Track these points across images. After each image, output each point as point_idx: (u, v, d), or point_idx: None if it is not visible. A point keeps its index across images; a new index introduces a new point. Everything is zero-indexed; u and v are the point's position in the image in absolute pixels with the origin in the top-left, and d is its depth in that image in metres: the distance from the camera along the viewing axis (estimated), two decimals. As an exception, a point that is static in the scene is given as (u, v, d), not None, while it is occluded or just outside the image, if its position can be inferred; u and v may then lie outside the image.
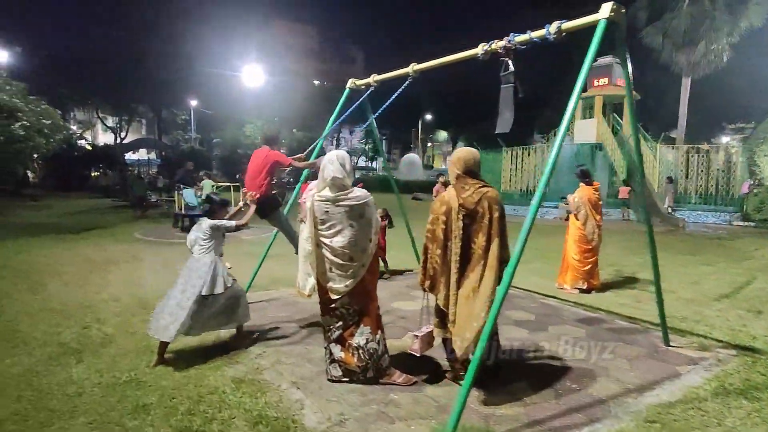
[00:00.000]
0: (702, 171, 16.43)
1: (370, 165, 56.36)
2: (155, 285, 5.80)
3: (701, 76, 20.73)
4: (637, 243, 10.19)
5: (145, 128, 48.63)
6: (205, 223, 3.68)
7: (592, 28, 2.99)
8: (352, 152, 54.81)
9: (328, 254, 3.00)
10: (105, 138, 41.73)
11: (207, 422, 2.65)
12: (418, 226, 6.60)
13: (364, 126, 5.04)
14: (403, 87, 4.54)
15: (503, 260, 2.93)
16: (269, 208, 4.71)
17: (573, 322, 4.61)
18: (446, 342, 3.10)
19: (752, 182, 13.65)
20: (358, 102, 5.30)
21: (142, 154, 43.55)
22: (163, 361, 3.45)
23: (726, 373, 3.40)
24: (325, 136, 5.52)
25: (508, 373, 3.27)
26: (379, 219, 3.07)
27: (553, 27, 3.24)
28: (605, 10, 2.91)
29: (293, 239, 4.76)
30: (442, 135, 54.94)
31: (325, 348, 3.20)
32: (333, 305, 3.08)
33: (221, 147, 39.62)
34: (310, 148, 5.47)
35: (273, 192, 4.79)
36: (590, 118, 18.05)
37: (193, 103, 39.09)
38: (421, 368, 3.33)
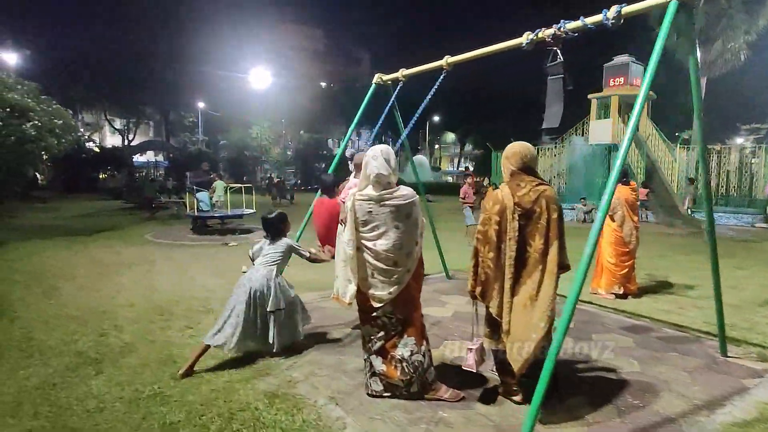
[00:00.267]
0: (719, 172, 16.11)
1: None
2: (170, 289, 5.60)
3: (717, 75, 20.35)
4: (660, 245, 9.90)
5: (152, 130, 48.68)
6: (284, 241, 3.67)
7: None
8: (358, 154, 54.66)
9: (370, 258, 2.75)
10: (113, 140, 41.79)
11: (242, 444, 2.40)
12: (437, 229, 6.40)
13: (406, 131, 4.79)
14: (438, 81, 4.29)
15: (561, 266, 2.68)
16: None
17: (618, 330, 4.33)
18: (497, 354, 2.85)
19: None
20: (390, 103, 5.03)
21: (149, 156, 43.57)
22: (191, 371, 3.25)
23: (799, 387, 3.12)
24: (350, 134, 5.27)
25: (562, 387, 3.01)
26: (424, 220, 2.80)
27: (612, 12, 2.99)
28: (678, -9, 2.66)
29: None
30: (450, 137, 54.63)
31: (365, 360, 2.95)
32: (374, 314, 2.83)
33: (228, 149, 39.61)
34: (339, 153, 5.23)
35: None
36: (605, 118, 17.72)
37: (201, 105, 39.05)
38: (466, 381, 3.07)
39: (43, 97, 9.61)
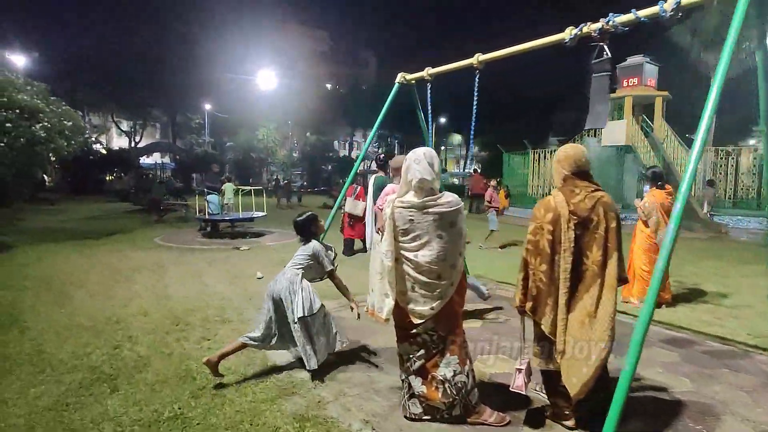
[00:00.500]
0: (732, 174, 15.77)
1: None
2: (184, 297, 5.40)
3: (732, 76, 19.96)
4: (682, 250, 9.59)
5: (159, 132, 48.75)
6: (311, 245, 3.45)
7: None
8: (365, 157, 54.65)
9: (410, 271, 2.53)
10: (119, 142, 41.84)
11: (275, 476, 2.19)
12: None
13: (469, 137, 4.58)
14: (476, 82, 4.07)
15: (619, 278, 2.45)
16: None
17: (659, 343, 4.08)
18: (548, 375, 2.62)
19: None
20: (428, 102, 4.82)
21: (155, 158, 43.59)
22: (217, 371, 3.15)
23: None
24: (374, 135, 5.05)
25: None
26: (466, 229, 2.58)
27: (670, 3, 2.76)
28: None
29: None
30: (456, 138, 54.38)
31: (403, 380, 2.73)
32: (414, 331, 2.61)
33: (234, 151, 39.57)
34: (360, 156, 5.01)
35: None
36: (619, 119, 17.42)
37: (207, 106, 39.02)
38: (509, 402, 2.84)
39: (52, 98, 9.46)
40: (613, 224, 2.45)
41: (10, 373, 3.25)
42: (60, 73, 28.91)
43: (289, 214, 16.29)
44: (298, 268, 3.37)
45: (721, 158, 16.49)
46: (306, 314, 3.22)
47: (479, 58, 4.08)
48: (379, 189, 5.53)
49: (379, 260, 2.63)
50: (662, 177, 5.39)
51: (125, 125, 41.68)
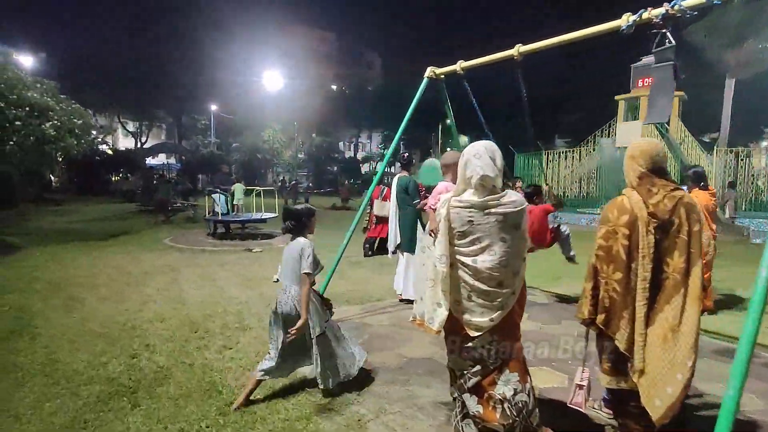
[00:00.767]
0: (750, 176, 15.45)
1: (388, 170, 55.71)
2: (200, 301, 5.16)
3: (749, 76, 19.65)
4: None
5: (164, 133, 48.72)
6: (299, 242, 2.92)
7: None
8: (371, 156, 54.41)
9: (467, 278, 2.27)
10: (125, 143, 41.81)
11: None
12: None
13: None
14: (521, 77, 3.82)
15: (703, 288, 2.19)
16: None
17: (711, 354, 3.82)
18: (619, 394, 2.35)
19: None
20: (470, 99, 4.57)
21: (161, 158, 43.55)
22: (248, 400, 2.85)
23: None
24: (401, 134, 4.82)
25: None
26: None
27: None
28: None
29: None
30: (463, 139, 54.06)
31: (455, 398, 2.47)
32: (470, 344, 2.35)
33: (240, 152, 39.45)
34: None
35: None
36: (633, 120, 17.13)
37: (213, 107, 38.93)
38: (564, 419, 2.59)
39: (62, 96, 9.27)
40: (696, 227, 2.18)
41: (22, 386, 3.01)
42: (66, 73, 28.83)
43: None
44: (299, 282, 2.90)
45: (740, 159, 16.15)
46: (323, 330, 2.92)
47: (519, 49, 3.83)
48: (403, 190, 5.29)
49: (431, 265, 2.38)
50: (705, 177, 5.11)
51: (131, 126, 41.63)
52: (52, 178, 26.10)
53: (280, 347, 2.89)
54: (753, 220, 13.68)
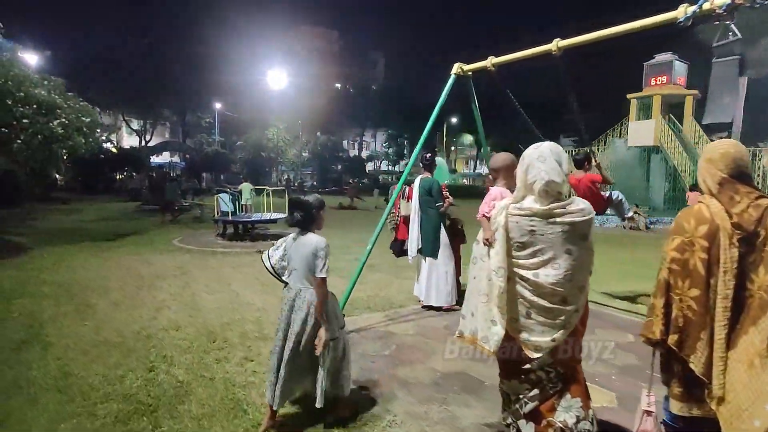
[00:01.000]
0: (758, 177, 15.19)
1: (392, 169, 55.54)
2: (216, 308, 4.97)
3: (763, 75, 19.31)
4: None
5: (168, 131, 48.64)
6: (312, 239, 2.55)
7: None
8: (375, 155, 54.23)
9: (527, 293, 2.07)
10: (130, 141, 41.74)
11: None
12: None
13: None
14: (563, 72, 3.61)
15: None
16: None
17: None
18: (690, 422, 2.13)
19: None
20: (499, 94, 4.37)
21: (165, 156, 43.48)
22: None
23: None
24: (428, 132, 4.60)
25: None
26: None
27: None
28: None
29: None
30: (467, 138, 53.79)
31: (508, 424, 2.27)
32: (527, 366, 2.14)
33: (244, 150, 39.30)
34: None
35: None
36: (646, 119, 16.85)
37: (218, 105, 38.79)
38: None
39: (69, 93, 9.08)
40: (785, 240, 1.97)
41: (35, 403, 2.82)
42: (71, 71, 28.74)
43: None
44: (311, 284, 2.56)
45: (758, 159, 15.86)
46: (336, 335, 2.60)
47: (558, 44, 3.61)
48: (426, 192, 5.07)
49: (485, 279, 2.17)
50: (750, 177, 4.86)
51: (135, 124, 41.54)
52: (58, 176, 25.98)
53: (284, 360, 2.52)
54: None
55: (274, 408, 2.53)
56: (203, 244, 9.63)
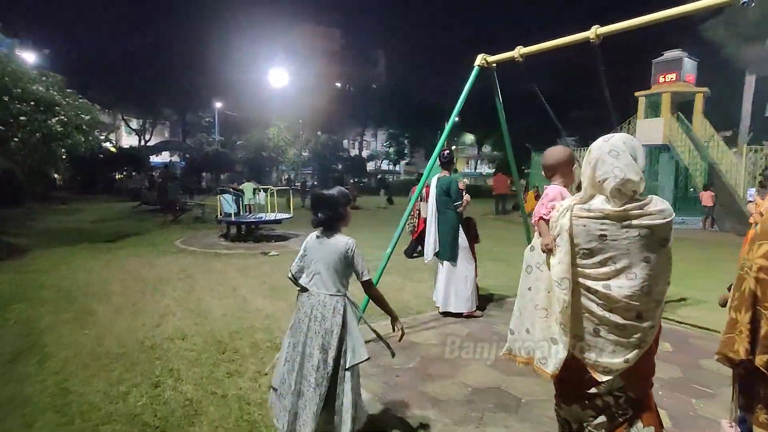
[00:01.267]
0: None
1: (393, 168, 55.31)
2: (223, 314, 4.70)
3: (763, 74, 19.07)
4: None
5: (168, 131, 48.36)
6: (341, 241, 2.25)
7: None
8: (376, 155, 53.96)
9: (595, 307, 1.80)
10: (129, 141, 41.44)
11: None
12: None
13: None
14: (599, 62, 3.34)
15: None
16: None
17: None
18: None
19: None
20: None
21: (165, 156, 43.19)
22: None
23: None
24: (449, 129, 4.34)
25: None
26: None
27: None
28: None
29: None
30: (468, 138, 53.56)
31: (567, 455, 1.99)
32: (593, 390, 1.87)
33: (245, 150, 39.03)
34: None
35: None
36: (654, 117, 16.57)
37: (218, 105, 38.51)
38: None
39: (68, 90, 8.80)
40: None
41: (31, 426, 2.55)
42: (71, 70, 28.45)
43: (307, 216, 15.43)
44: (338, 292, 2.25)
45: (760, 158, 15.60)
46: (362, 359, 2.23)
47: (597, 31, 3.33)
48: (444, 192, 4.79)
49: (543, 291, 1.90)
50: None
51: (135, 123, 41.24)
52: (57, 176, 25.70)
53: (305, 380, 2.19)
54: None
55: None
56: (206, 245, 9.36)
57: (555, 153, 2.34)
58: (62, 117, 7.90)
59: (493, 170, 47.10)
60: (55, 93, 8.05)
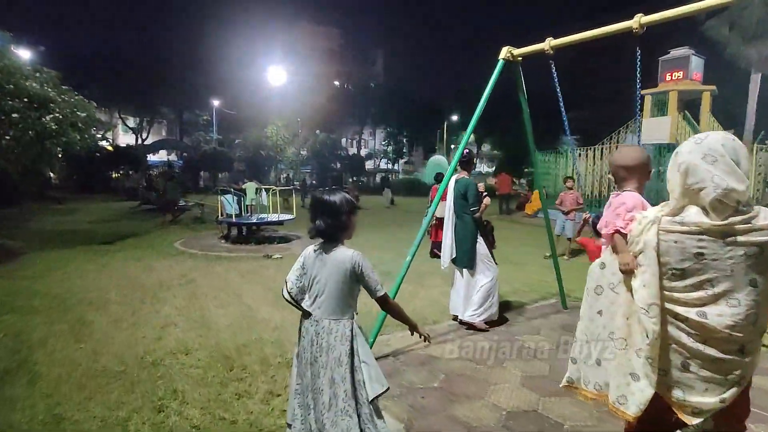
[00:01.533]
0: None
1: (391, 167, 55.01)
2: (228, 325, 4.41)
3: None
4: None
5: (165, 129, 47.90)
6: (346, 254, 1.96)
7: None
8: (374, 154, 53.60)
9: (686, 339, 1.52)
10: (125, 139, 40.99)
11: None
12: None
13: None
14: (638, 51, 3.05)
15: None
16: None
17: None
18: None
19: None
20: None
21: (162, 155, 42.75)
22: None
23: None
24: (476, 120, 4.05)
25: None
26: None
27: None
28: None
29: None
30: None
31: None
32: (677, 433, 1.60)
33: (243, 148, 38.66)
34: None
35: None
36: (660, 115, 16.32)
37: (216, 103, 38.11)
38: None
39: (64, 87, 8.45)
40: None
41: (17, 464, 2.26)
42: (67, 67, 28.01)
43: (307, 216, 15.16)
44: (344, 315, 1.96)
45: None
46: (383, 390, 1.95)
47: (641, 20, 3.05)
48: (461, 195, 4.51)
49: (620, 316, 1.62)
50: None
51: (131, 122, 40.77)
52: (52, 175, 25.29)
53: (314, 419, 1.91)
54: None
55: None
56: (206, 247, 9.05)
57: (632, 153, 2.03)
58: (57, 114, 7.56)
59: (493, 169, 46.89)
60: (49, 89, 7.71)
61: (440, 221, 5.76)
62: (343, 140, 51.82)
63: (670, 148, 16.01)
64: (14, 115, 6.99)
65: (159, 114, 41.34)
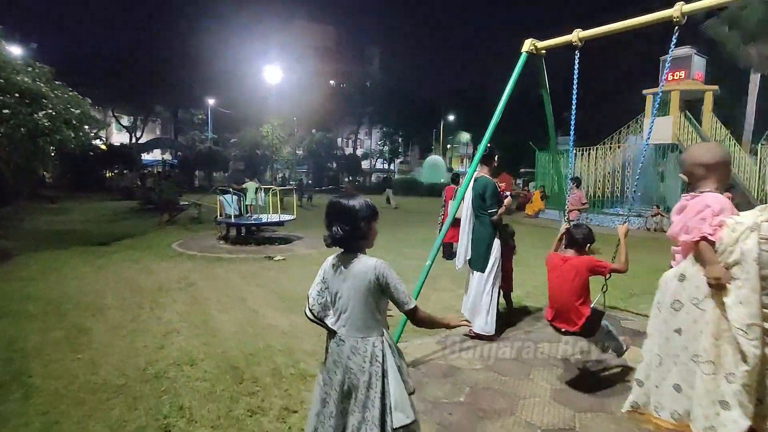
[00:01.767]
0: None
1: (387, 167, 54.79)
2: (234, 332, 4.18)
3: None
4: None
5: (159, 128, 47.41)
6: (369, 263, 1.75)
7: None
8: (370, 154, 53.34)
9: (788, 365, 1.32)
10: (119, 138, 40.49)
11: None
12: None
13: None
14: (674, 41, 2.86)
15: None
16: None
17: None
18: None
19: None
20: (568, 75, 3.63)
21: (156, 154, 42.31)
22: None
23: None
24: (499, 115, 3.84)
25: None
26: None
27: None
28: None
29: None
30: (464, 136, 53.15)
31: None
32: (771, 471, 1.39)
33: (239, 148, 38.29)
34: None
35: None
36: (662, 115, 16.22)
37: (211, 102, 37.72)
38: None
39: (57, 82, 8.16)
40: None
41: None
42: (59, 64, 27.57)
43: (308, 215, 15.10)
44: (373, 332, 1.77)
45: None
46: (408, 422, 1.72)
47: (683, 8, 2.86)
48: (479, 196, 4.29)
49: (708, 337, 1.42)
50: None
51: (125, 120, 40.29)
52: (45, 173, 24.86)
53: None
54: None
55: None
56: (206, 248, 8.80)
57: (712, 149, 1.82)
58: (50, 111, 7.26)
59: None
60: (42, 85, 7.42)
61: (457, 221, 5.56)
62: (339, 140, 51.58)
63: (672, 148, 15.95)
64: (5, 111, 6.70)
65: (153, 112, 40.88)
